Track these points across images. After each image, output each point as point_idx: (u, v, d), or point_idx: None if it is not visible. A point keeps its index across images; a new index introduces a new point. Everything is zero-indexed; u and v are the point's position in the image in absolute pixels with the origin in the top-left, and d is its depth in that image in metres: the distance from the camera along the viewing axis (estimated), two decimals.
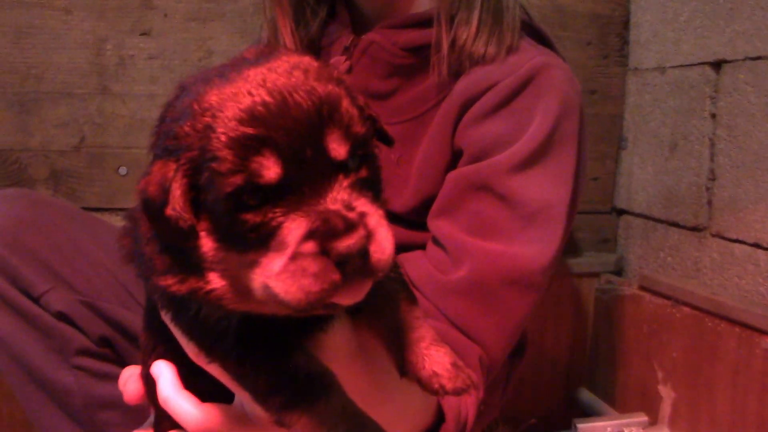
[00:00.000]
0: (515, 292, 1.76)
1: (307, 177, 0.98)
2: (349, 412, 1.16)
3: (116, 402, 2.27)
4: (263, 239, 0.99)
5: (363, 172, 1.05)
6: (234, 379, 1.22)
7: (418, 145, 1.95)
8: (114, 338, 2.29)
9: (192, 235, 1.04)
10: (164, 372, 1.35)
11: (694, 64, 2.60)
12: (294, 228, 0.97)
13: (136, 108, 2.84)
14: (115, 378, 2.26)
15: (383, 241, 0.99)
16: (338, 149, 1.00)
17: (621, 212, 3.05)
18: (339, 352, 1.27)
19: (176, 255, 1.11)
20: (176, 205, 1.01)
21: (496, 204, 1.78)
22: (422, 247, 1.91)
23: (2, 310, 2.17)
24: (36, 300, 2.18)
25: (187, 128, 1.01)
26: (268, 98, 0.98)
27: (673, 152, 2.70)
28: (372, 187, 1.07)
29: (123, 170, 2.86)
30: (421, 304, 1.71)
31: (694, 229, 2.60)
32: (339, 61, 2.04)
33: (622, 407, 2.83)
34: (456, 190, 1.83)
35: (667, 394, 2.60)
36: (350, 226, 0.96)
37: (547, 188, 1.80)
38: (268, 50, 1.12)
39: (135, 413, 2.26)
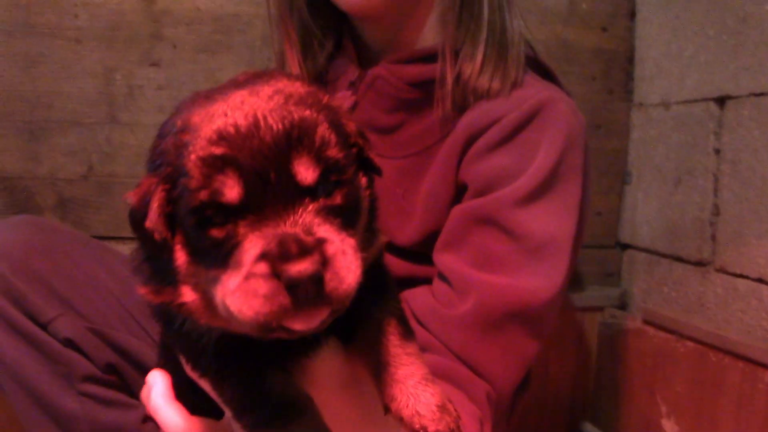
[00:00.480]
0: (521, 326, 1.75)
1: (269, 199, 0.99)
2: None
3: (121, 429, 2.28)
4: (224, 256, 1.00)
5: (336, 199, 1.04)
6: (216, 395, 1.24)
7: (423, 179, 1.96)
8: (120, 365, 2.30)
9: (166, 247, 1.06)
10: (158, 382, 1.38)
11: (699, 100, 2.62)
12: (250, 248, 0.98)
13: (144, 138, 2.86)
14: (120, 405, 2.29)
15: (341, 270, 0.98)
16: (305, 173, 1.00)
17: (625, 246, 3.06)
18: (324, 380, 1.27)
19: (155, 266, 1.14)
20: (153, 217, 1.04)
21: (501, 237, 1.78)
22: (427, 280, 1.92)
23: (10, 336, 2.18)
24: (44, 326, 2.19)
25: (168, 144, 1.05)
26: (240, 120, 1.00)
27: (677, 187, 2.71)
28: (345, 215, 1.06)
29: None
30: (426, 340, 1.73)
31: (698, 263, 2.61)
32: (345, 96, 2.05)
33: None
34: (461, 224, 1.83)
35: (670, 428, 2.60)
36: (304, 251, 0.96)
37: (552, 221, 1.81)
38: (261, 73, 1.15)
39: None
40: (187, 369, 1.28)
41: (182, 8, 2.87)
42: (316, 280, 0.95)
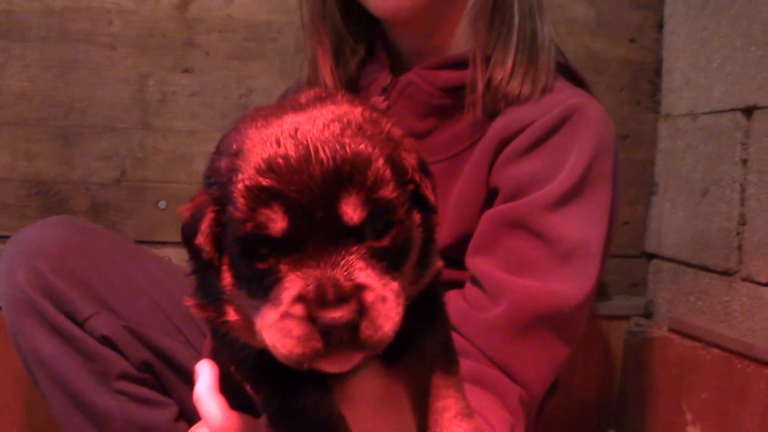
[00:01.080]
0: (552, 329, 1.77)
1: (313, 237, 0.97)
2: None
3: (156, 427, 2.31)
4: (266, 289, 1.00)
5: (383, 241, 1.01)
6: (256, 400, 1.24)
7: (454, 184, 1.97)
8: (155, 364, 2.33)
9: (213, 267, 1.06)
10: (204, 372, 1.39)
11: (726, 110, 2.63)
12: (289, 287, 0.97)
13: (176, 143, 2.90)
14: (154, 404, 2.32)
15: (378, 319, 0.96)
16: (352, 214, 0.97)
17: (651, 256, 3.07)
18: (363, 398, 1.26)
19: (203, 282, 1.15)
20: (201, 238, 1.04)
21: (533, 241, 1.80)
22: (457, 284, 1.92)
23: (47, 334, 2.21)
24: (80, 324, 2.22)
25: (222, 165, 1.04)
26: (291, 150, 0.98)
27: (704, 197, 2.72)
28: (392, 257, 1.03)
29: (162, 204, 2.91)
30: (459, 344, 1.70)
31: (724, 273, 2.62)
32: (377, 102, 2.07)
33: None
34: (493, 228, 1.84)
35: None
36: (341, 299, 0.94)
37: (582, 226, 1.83)
38: (324, 96, 1.13)
39: None
40: (232, 368, 1.30)
41: (215, 16, 2.90)
42: (351, 327, 0.95)
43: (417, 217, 1.11)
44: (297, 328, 0.95)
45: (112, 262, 2.34)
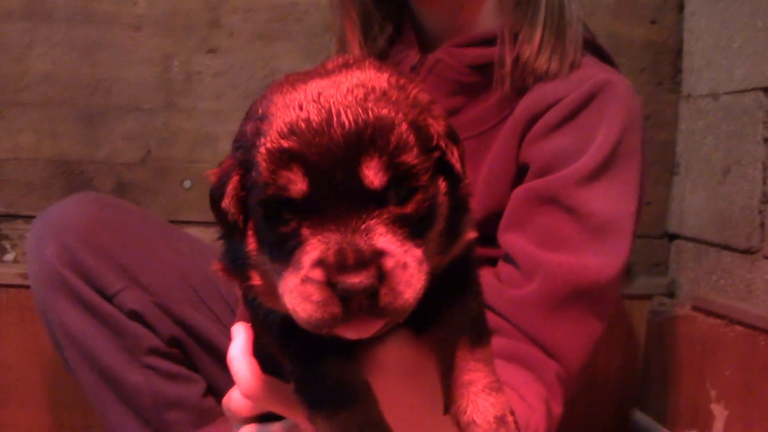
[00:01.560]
0: (586, 305, 1.77)
1: (334, 201, 0.96)
2: (371, 429, 1.14)
3: (184, 402, 2.32)
4: (288, 253, 0.99)
5: (406, 207, 1.00)
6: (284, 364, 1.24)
7: (484, 161, 1.98)
8: (183, 339, 2.34)
9: (239, 231, 1.07)
10: (239, 335, 1.39)
11: (748, 90, 2.64)
12: (309, 251, 0.97)
13: (201, 123, 2.92)
14: (183, 379, 2.32)
15: (398, 286, 0.95)
16: (373, 178, 0.96)
17: (673, 237, 3.07)
18: (389, 366, 1.26)
19: (229, 246, 1.16)
20: (227, 201, 1.05)
21: (565, 217, 1.80)
22: (489, 260, 1.94)
23: (76, 309, 2.23)
24: (110, 299, 2.24)
25: (248, 129, 1.05)
26: (314, 114, 0.97)
27: (725, 177, 2.73)
28: (415, 224, 1.01)
29: (187, 183, 2.92)
30: (494, 322, 1.72)
31: (747, 251, 2.62)
32: None
33: (674, 427, 2.83)
34: (524, 204, 1.85)
35: (720, 412, 2.60)
36: (360, 264, 0.93)
37: (613, 200, 1.83)
38: (352, 62, 1.10)
39: (202, 414, 2.31)
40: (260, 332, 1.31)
41: None
42: (371, 294, 0.93)
43: (443, 184, 1.09)
44: (316, 293, 0.95)
45: (141, 238, 2.36)
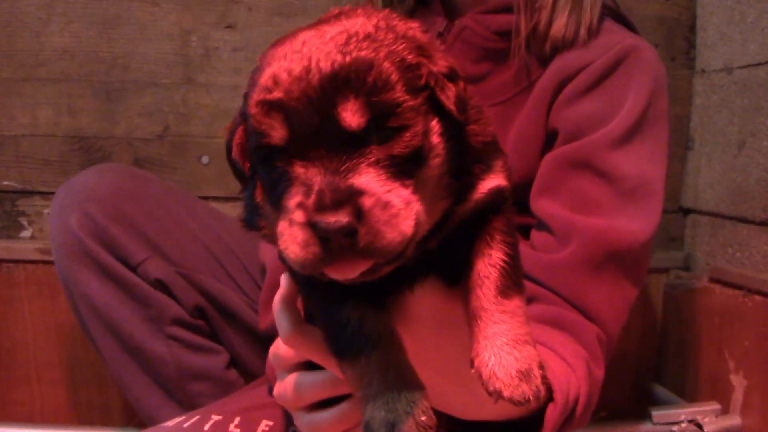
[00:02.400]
0: (621, 268, 1.79)
1: (315, 144, 0.99)
2: (393, 373, 1.14)
3: (207, 374, 2.31)
4: (279, 197, 1.02)
5: (391, 147, 1.01)
6: None
7: (511, 126, 1.99)
8: (207, 310, 2.34)
9: (246, 179, 1.12)
10: (284, 284, 1.39)
11: (762, 64, 2.66)
12: (293, 194, 0.99)
13: (219, 98, 2.92)
14: (207, 351, 2.32)
15: (377, 224, 0.96)
16: (350, 120, 0.99)
17: (687, 211, 3.09)
18: (419, 316, 1.27)
19: (246, 200, 1.18)
20: (235, 151, 1.10)
21: (597, 180, 1.82)
22: (519, 228, 1.94)
23: (100, 279, 2.22)
24: (134, 269, 2.23)
25: (249, 81, 1.09)
26: (295, 63, 1.00)
27: (740, 150, 2.75)
28: (402, 164, 1.02)
29: (205, 159, 2.92)
30: (531, 289, 1.71)
31: (763, 223, 2.64)
32: None
33: (693, 398, 2.84)
34: (556, 169, 1.86)
35: (738, 382, 2.62)
36: (337, 203, 0.95)
37: (644, 163, 1.85)
38: (349, 11, 1.13)
39: (225, 386, 2.30)
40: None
41: None
42: (348, 232, 0.94)
43: (437, 125, 1.09)
44: (299, 234, 0.97)
45: (165, 208, 2.35)
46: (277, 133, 1.00)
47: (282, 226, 0.99)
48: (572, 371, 1.58)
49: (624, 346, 3.01)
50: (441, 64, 1.10)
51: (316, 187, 0.97)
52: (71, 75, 2.89)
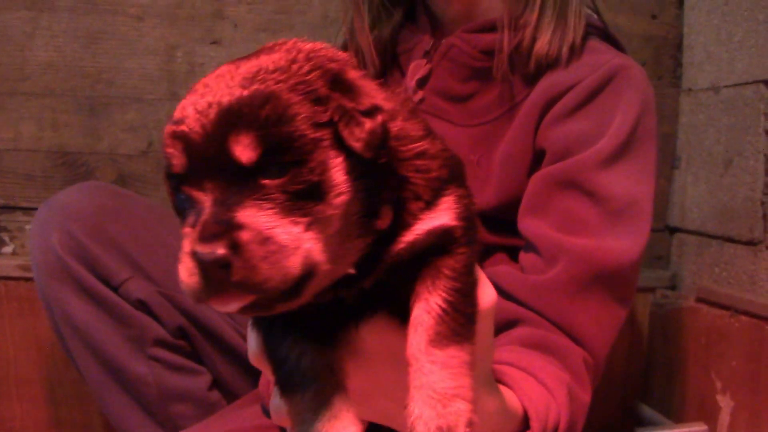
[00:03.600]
0: (609, 289, 1.78)
1: (209, 175, 0.99)
2: (326, 413, 1.13)
3: (190, 395, 2.29)
4: (182, 224, 1.03)
5: (287, 182, 0.99)
6: None
7: (498, 146, 1.98)
8: (189, 330, 2.31)
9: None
10: None
11: (749, 83, 2.66)
12: (186, 223, 1.00)
13: None
14: (189, 371, 2.30)
15: (252, 260, 0.95)
16: (241, 153, 0.98)
17: (674, 230, 3.09)
18: (370, 355, 1.25)
19: None
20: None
21: (585, 200, 1.81)
22: (504, 248, 1.96)
23: (81, 299, 2.20)
24: (115, 288, 2.21)
25: None
26: (200, 96, 1.01)
27: (727, 169, 2.75)
28: (300, 199, 1.00)
29: None
30: (516, 312, 1.74)
31: (750, 243, 2.63)
32: (420, 64, 2.09)
33: (679, 419, 2.83)
34: (543, 189, 1.85)
35: (726, 403, 2.61)
36: (212, 236, 0.94)
37: (632, 183, 1.84)
38: (277, 44, 1.12)
39: (207, 407, 2.28)
40: None
41: None
42: (221, 265, 0.94)
43: (343, 161, 1.05)
44: (187, 262, 0.96)
45: (147, 227, 2.33)
46: (177, 161, 1.00)
47: (181, 253, 0.99)
48: (552, 398, 1.54)
49: (610, 365, 2.96)
50: (364, 101, 1.06)
51: (201, 218, 0.97)
52: (55, 89, 2.87)
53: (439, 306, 1.13)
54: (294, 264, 0.97)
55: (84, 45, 2.87)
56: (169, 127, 1.02)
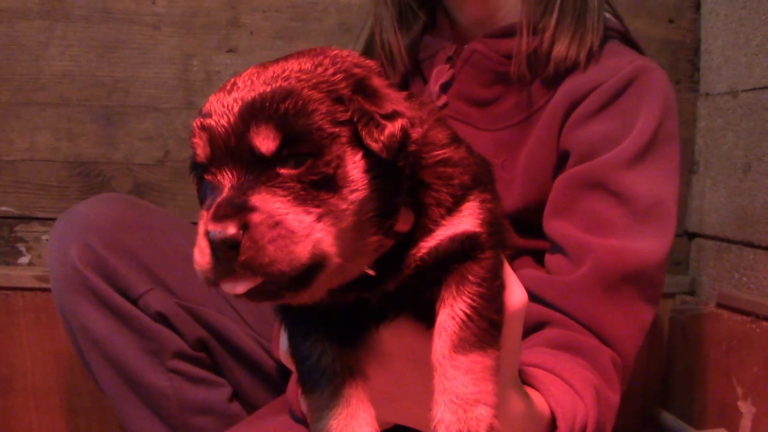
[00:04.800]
0: (636, 289, 1.78)
1: (229, 164, 1.05)
2: (342, 411, 1.17)
3: (210, 407, 2.28)
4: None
5: (302, 173, 1.04)
6: None
7: (522, 149, 1.99)
8: (209, 342, 2.30)
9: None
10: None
11: (767, 87, 2.65)
12: (206, 206, 1.05)
13: None
14: (209, 384, 2.29)
15: (261, 240, 0.98)
16: (260, 143, 1.03)
17: (693, 236, 3.08)
18: (391, 356, 1.27)
19: None
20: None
21: (611, 201, 1.82)
22: (529, 252, 1.97)
23: (100, 312, 2.18)
24: (134, 301, 2.20)
25: None
26: (227, 92, 1.07)
27: (746, 173, 2.73)
28: (314, 190, 1.04)
29: None
30: (543, 314, 1.75)
31: None
32: (443, 70, 2.10)
33: (700, 425, 2.82)
34: (569, 190, 1.86)
35: (747, 409, 2.60)
36: (224, 215, 0.98)
37: (657, 184, 1.85)
38: (306, 50, 1.17)
39: (227, 419, 2.27)
40: None
41: None
42: (230, 244, 0.97)
43: (362, 159, 1.09)
44: (202, 243, 1.01)
45: (166, 239, 2.32)
46: (201, 151, 1.07)
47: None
48: (580, 398, 1.55)
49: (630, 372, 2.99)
50: (386, 106, 1.10)
51: (217, 200, 1.02)
52: (71, 99, 2.87)
53: (464, 312, 1.16)
54: (302, 250, 1.00)
55: (99, 54, 2.87)
56: (197, 120, 1.09)
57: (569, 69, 1.96)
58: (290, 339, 1.26)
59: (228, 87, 1.09)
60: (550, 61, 1.95)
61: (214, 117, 1.05)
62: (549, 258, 1.87)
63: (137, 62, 2.87)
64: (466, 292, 1.17)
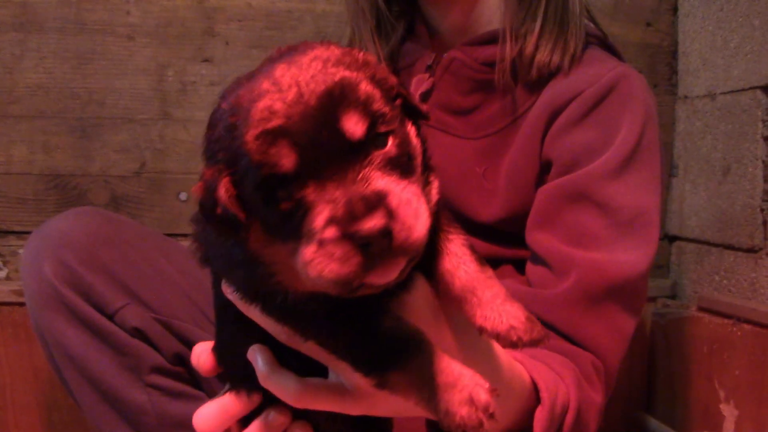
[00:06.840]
0: (619, 301, 1.78)
1: (324, 161, 1.01)
2: (445, 364, 1.17)
3: (189, 421, 2.25)
4: (297, 226, 1.02)
5: (390, 150, 1.05)
6: (330, 353, 1.24)
7: (504, 158, 1.99)
8: (188, 357, 2.28)
9: (241, 228, 1.07)
10: (260, 353, 1.35)
11: (746, 89, 2.65)
12: (318, 214, 1.00)
13: (197, 134, 2.86)
14: (188, 397, 2.26)
15: (407, 219, 0.99)
16: (354, 128, 1.01)
17: (673, 239, 3.08)
18: (421, 312, 1.27)
19: (235, 255, 1.17)
20: (224, 203, 1.05)
21: (594, 212, 1.81)
22: (510, 260, 1.96)
23: (76, 328, 2.15)
24: (110, 317, 2.17)
25: (220, 131, 1.07)
26: (285, 91, 1.02)
27: (725, 176, 2.74)
28: (402, 164, 1.07)
29: (183, 196, 2.88)
30: None
31: (750, 250, 2.63)
32: (422, 79, 2.09)
33: (684, 429, 2.82)
34: (552, 202, 1.85)
35: (729, 412, 2.60)
36: (369, 208, 0.97)
37: (640, 193, 1.84)
38: (295, 46, 1.15)
39: None
40: (285, 339, 1.28)
41: (234, 4, 2.90)
42: (386, 233, 0.97)
43: (412, 128, 1.16)
44: (336, 250, 0.97)
45: (141, 253, 2.29)
46: (287, 159, 1.00)
47: (308, 252, 1.00)
48: (560, 379, 1.57)
49: None
50: (393, 78, 1.15)
51: (342, 201, 0.99)
52: (45, 112, 2.85)
53: (465, 241, 1.29)
54: (427, 218, 1.03)
55: (74, 66, 2.84)
56: (260, 128, 1.01)
57: (551, 74, 1.95)
58: (353, 329, 1.21)
59: (273, 89, 1.02)
60: (533, 67, 1.94)
61: (288, 118, 1.00)
62: (531, 269, 1.87)
63: (112, 73, 2.85)
64: (455, 232, 1.28)
